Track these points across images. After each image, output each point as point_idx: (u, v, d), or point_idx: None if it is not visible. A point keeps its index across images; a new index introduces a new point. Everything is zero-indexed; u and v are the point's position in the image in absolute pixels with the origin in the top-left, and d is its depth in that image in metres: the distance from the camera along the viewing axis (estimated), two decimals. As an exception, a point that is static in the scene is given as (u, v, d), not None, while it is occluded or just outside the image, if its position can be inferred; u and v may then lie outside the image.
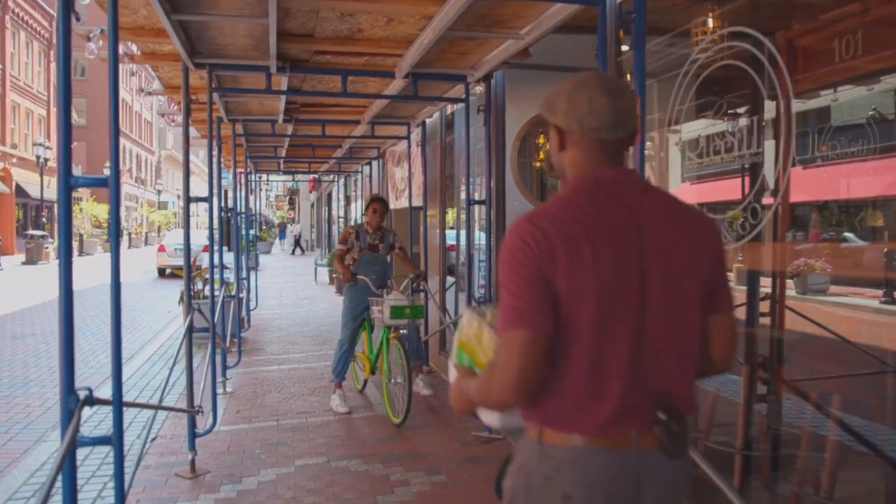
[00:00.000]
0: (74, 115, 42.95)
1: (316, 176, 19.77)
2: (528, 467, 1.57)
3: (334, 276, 6.99)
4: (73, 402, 2.19)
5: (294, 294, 16.11)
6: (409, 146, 7.35)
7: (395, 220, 10.53)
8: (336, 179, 17.70)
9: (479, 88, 5.60)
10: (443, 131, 7.19)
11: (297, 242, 36.34)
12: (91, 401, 2.24)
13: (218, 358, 6.70)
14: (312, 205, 37.87)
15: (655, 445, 1.51)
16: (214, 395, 4.85)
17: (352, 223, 6.66)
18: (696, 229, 1.60)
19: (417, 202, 7.35)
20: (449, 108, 7.12)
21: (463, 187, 8.19)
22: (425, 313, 5.89)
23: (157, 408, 3.29)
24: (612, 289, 1.48)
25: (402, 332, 5.39)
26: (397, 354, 5.24)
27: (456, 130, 7.32)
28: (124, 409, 2.39)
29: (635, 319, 1.51)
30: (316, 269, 19.95)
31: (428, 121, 7.24)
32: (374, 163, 12.13)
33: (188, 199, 4.33)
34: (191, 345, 4.30)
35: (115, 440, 2.33)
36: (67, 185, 2.13)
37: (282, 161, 11.47)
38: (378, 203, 5.94)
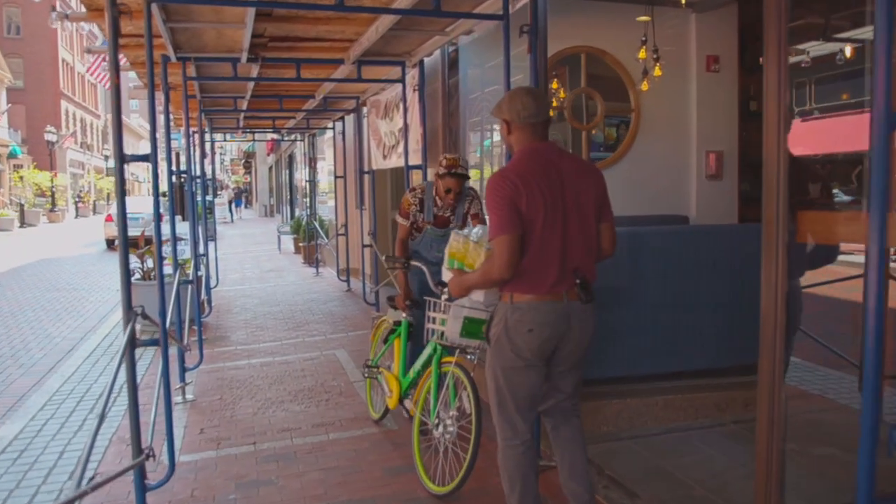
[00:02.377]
0: (9, 76, 39.97)
1: (276, 137, 18.16)
2: (505, 317, 2.72)
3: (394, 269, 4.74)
4: None
5: (257, 266, 14.68)
6: (405, 91, 6.01)
7: (378, 183, 9.20)
8: (301, 138, 16.14)
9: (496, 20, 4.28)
10: (445, 72, 5.87)
11: (230, 208, 34.34)
12: None
13: (174, 352, 5.39)
14: (271, 168, 36.01)
15: (576, 298, 2.69)
16: (170, 428, 3.56)
17: (415, 188, 4.67)
18: (589, 174, 2.79)
19: (415, 160, 6.04)
20: (452, 44, 5.79)
21: (472, 137, 6.91)
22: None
23: (79, 498, 2.00)
24: (550, 210, 2.64)
25: (469, 356, 3.53)
26: (453, 391, 3.57)
27: (461, 70, 6.00)
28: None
29: (561, 228, 2.67)
30: (279, 237, 18.49)
31: (427, 60, 5.90)
32: (348, 118, 10.71)
33: (121, 158, 2.99)
34: (133, 365, 2.99)
35: None
36: None
37: (242, 117, 9.96)
38: (456, 180, 4.23)
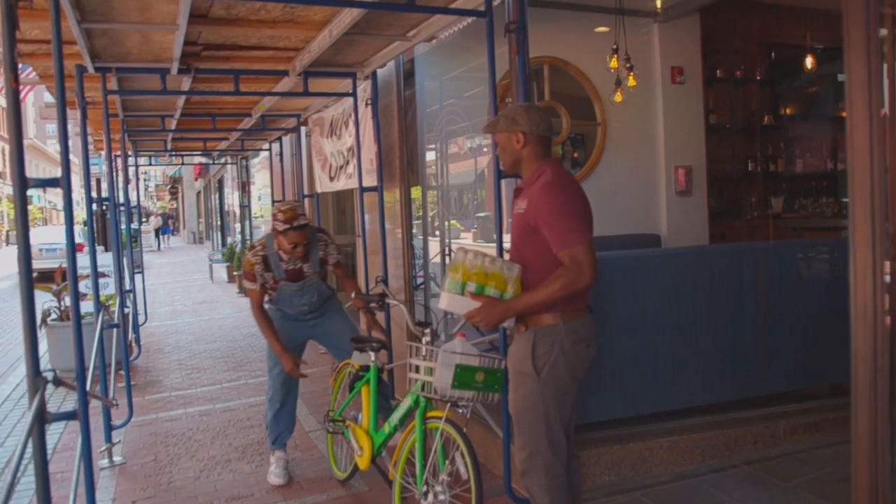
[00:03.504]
0: None
1: (206, 160, 17.24)
2: (558, 340, 2.53)
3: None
4: None
5: (189, 297, 13.75)
6: (356, 105, 5.46)
7: (324, 207, 8.58)
8: (232, 161, 15.28)
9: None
10: (400, 85, 5.36)
11: (157, 236, 32.80)
12: None
13: (97, 403, 4.65)
14: (199, 193, 34.67)
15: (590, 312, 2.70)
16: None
17: (254, 246, 4.06)
18: None
19: (370, 181, 5.49)
20: (407, 55, 5.29)
21: (430, 154, 6.38)
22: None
23: None
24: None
25: (461, 409, 2.98)
26: (442, 452, 3.00)
27: (417, 83, 5.50)
28: None
29: None
30: (211, 265, 17.51)
31: (379, 72, 5.38)
32: (286, 138, 10.06)
33: (23, 183, 2.35)
34: (42, 448, 2.32)
35: None
36: None
37: (170, 138, 9.18)
38: (300, 232, 3.77)
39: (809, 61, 6.88)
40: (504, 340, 3.34)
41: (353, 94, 5.42)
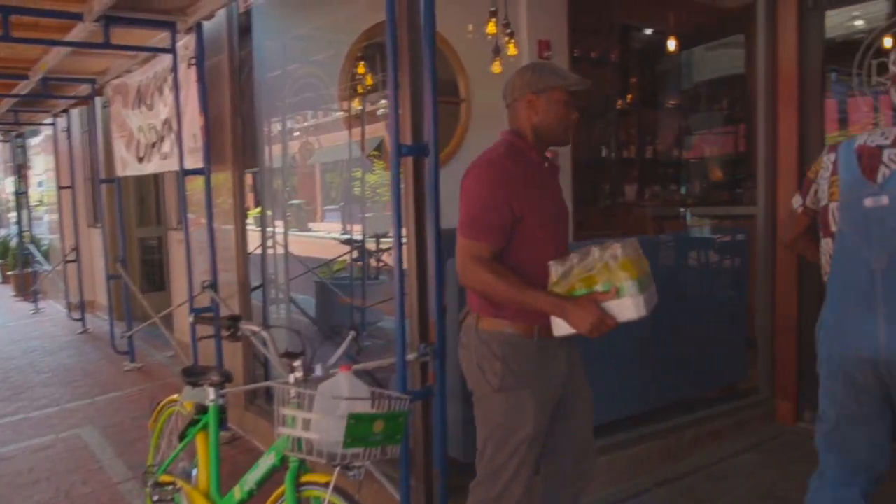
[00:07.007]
0: None
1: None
2: None
3: None
4: None
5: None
6: (176, 65, 4.33)
7: (130, 191, 7.17)
8: (5, 139, 12.81)
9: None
10: (234, 42, 4.31)
11: None
12: None
13: None
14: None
15: None
16: None
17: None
18: None
19: (193, 161, 4.42)
20: (243, 3, 4.28)
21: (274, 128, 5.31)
22: None
23: None
24: None
25: (352, 474, 2.11)
26: None
27: (255, 39, 4.49)
28: None
29: None
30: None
31: (206, 25, 4.30)
32: (75, 112, 8.40)
33: None
34: None
35: None
36: None
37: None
38: None
39: (662, 47, 6.75)
40: (402, 368, 2.54)
41: (173, 51, 4.30)
